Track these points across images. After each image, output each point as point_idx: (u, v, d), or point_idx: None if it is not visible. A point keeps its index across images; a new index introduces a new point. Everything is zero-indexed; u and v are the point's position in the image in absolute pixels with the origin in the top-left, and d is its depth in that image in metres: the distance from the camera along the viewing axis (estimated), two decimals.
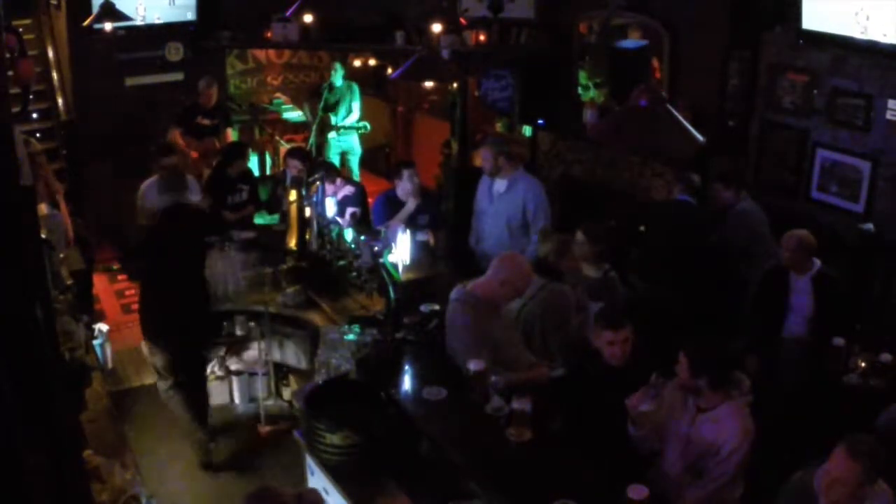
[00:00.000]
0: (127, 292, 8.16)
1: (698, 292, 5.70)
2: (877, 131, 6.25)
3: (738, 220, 6.06)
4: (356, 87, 9.53)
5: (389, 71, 10.00)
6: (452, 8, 8.44)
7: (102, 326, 6.53)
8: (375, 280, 5.54)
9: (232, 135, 9.09)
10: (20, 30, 9.16)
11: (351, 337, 4.88)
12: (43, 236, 4.75)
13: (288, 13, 8.47)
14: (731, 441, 3.69)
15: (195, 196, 7.07)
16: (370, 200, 6.99)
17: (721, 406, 3.78)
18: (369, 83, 10.79)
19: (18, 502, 2.05)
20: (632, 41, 8.10)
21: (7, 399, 1.97)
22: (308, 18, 8.68)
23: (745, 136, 7.20)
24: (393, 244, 5.46)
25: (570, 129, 8.28)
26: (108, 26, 7.85)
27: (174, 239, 5.66)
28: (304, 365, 6.01)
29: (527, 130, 8.76)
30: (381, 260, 5.25)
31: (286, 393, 6.36)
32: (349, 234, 6.06)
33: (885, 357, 5.05)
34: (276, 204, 7.34)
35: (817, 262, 5.31)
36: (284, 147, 9.35)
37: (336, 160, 9.12)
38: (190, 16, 8.89)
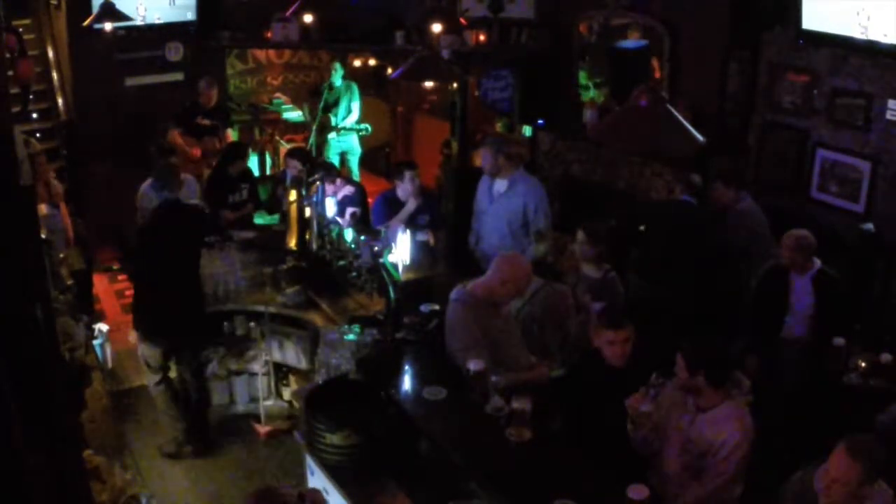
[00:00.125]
0: (127, 292, 8.14)
1: (698, 292, 5.70)
2: (877, 131, 6.25)
3: (738, 220, 6.06)
4: (355, 87, 9.53)
5: (389, 71, 10.00)
6: (452, 8, 8.44)
7: (102, 326, 6.54)
8: (375, 280, 5.54)
9: (232, 135, 9.10)
10: (20, 30, 9.17)
11: (351, 337, 4.88)
12: (43, 236, 4.76)
13: (288, 13, 8.47)
14: (731, 440, 3.69)
15: (193, 196, 7.09)
16: (370, 200, 6.99)
17: (721, 406, 3.78)
18: (369, 83, 10.79)
19: (18, 502, 2.05)
20: (632, 41, 8.10)
21: (7, 399, 1.97)
22: (308, 18, 8.68)
23: (745, 136, 7.20)
24: (393, 244, 5.46)
25: (570, 129, 8.28)
26: (108, 26, 7.85)
27: (167, 236, 5.68)
28: (304, 365, 6.02)
29: (527, 130, 8.75)
30: (381, 260, 5.24)
31: (286, 393, 6.36)
32: (349, 234, 6.06)
33: (885, 357, 5.05)
34: (275, 204, 7.35)
35: (817, 262, 5.31)
36: (284, 147, 9.35)
37: (336, 160, 9.12)
38: (190, 16, 8.89)
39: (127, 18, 7.81)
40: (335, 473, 3.99)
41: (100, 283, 8.24)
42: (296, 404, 6.01)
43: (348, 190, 6.81)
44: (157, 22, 8.65)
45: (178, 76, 9.11)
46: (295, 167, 6.75)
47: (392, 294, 5.00)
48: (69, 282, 5.67)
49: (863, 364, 5.04)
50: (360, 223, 6.48)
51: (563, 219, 7.22)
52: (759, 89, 7.05)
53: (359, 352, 4.76)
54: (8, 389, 1.97)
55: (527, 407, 3.89)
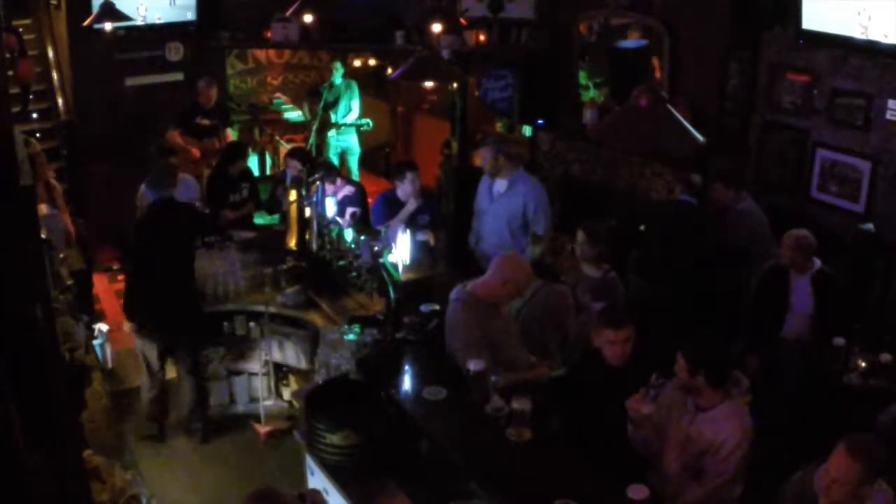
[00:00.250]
0: None
1: (698, 292, 5.70)
2: (877, 131, 6.25)
3: (738, 220, 6.06)
4: (355, 86, 9.53)
5: (389, 71, 10.00)
6: (452, 8, 8.44)
7: (102, 326, 6.54)
8: (375, 280, 5.54)
9: (232, 135, 9.10)
10: (20, 30, 9.17)
11: (351, 337, 4.88)
12: (43, 236, 4.75)
13: (288, 13, 8.47)
14: (731, 440, 3.69)
15: (194, 196, 7.09)
16: (370, 200, 6.99)
17: (720, 405, 3.78)
18: (369, 83, 10.79)
19: (18, 502, 2.05)
20: (632, 41, 8.10)
21: (7, 399, 1.97)
22: (308, 18, 8.68)
23: (745, 136, 7.20)
24: (393, 244, 5.46)
25: (570, 129, 8.28)
26: (108, 26, 7.85)
27: (160, 234, 5.70)
28: (304, 365, 6.02)
29: (527, 130, 8.75)
30: (381, 260, 5.25)
31: (286, 393, 6.36)
32: (349, 234, 6.06)
33: (885, 357, 5.05)
34: (275, 204, 7.35)
35: (817, 262, 5.31)
36: (284, 147, 9.36)
37: (335, 160, 9.13)
38: (190, 16, 8.89)
39: (127, 18, 7.81)
40: (335, 473, 3.99)
41: (100, 283, 8.24)
42: (296, 404, 6.01)
43: (348, 190, 6.81)
44: (157, 22, 8.65)
45: (178, 76, 9.11)
46: (295, 167, 6.75)
47: (392, 294, 5.00)
48: (69, 282, 5.67)
49: (863, 364, 5.04)
50: (360, 223, 6.48)
51: (563, 219, 7.22)
52: (759, 89, 7.05)
53: (359, 352, 4.76)
54: (8, 389, 1.97)
55: (527, 407, 3.89)
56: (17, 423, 1.99)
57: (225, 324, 6.20)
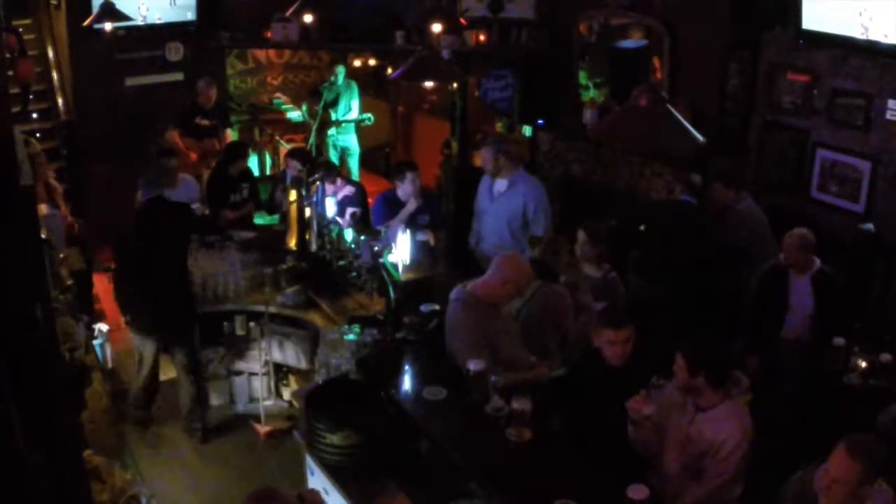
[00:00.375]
0: None
1: (698, 292, 5.70)
2: (877, 131, 6.25)
3: (738, 220, 6.06)
4: (354, 85, 9.54)
5: (389, 71, 10.00)
6: (452, 8, 8.44)
7: (102, 326, 6.54)
8: (375, 280, 5.54)
9: (231, 135, 9.10)
10: (20, 30, 9.17)
11: (351, 337, 4.88)
12: (43, 236, 4.75)
13: (288, 13, 8.47)
14: (731, 440, 3.69)
15: (194, 195, 7.09)
16: (370, 200, 6.99)
17: (720, 405, 3.78)
18: (369, 83, 10.79)
19: (18, 502, 2.05)
20: (632, 41, 8.10)
21: (7, 399, 1.97)
22: (308, 18, 8.68)
23: (745, 136, 7.20)
24: (393, 244, 5.46)
25: (570, 129, 8.28)
26: (108, 26, 7.85)
27: (149, 232, 5.71)
28: (304, 365, 6.02)
29: (527, 130, 8.76)
30: (381, 260, 5.25)
31: (286, 393, 6.36)
32: (349, 234, 6.06)
33: (885, 357, 5.05)
34: (274, 206, 7.35)
35: (817, 262, 5.32)
36: (284, 147, 9.35)
37: (335, 160, 9.13)
38: (190, 16, 8.89)
39: (127, 18, 7.81)
40: (335, 473, 3.99)
41: (100, 283, 8.22)
42: (296, 404, 6.01)
43: (348, 190, 6.81)
44: (157, 22, 8.65)
45: (178, 76, 9.11)
46: (295, 167, 6.75)
47: (392, 294, 5.00)
48: (69, 282, 5.67)
49: (863, 364, 5.04)
50: (360, 223, 6.48)
51: (563, 219, 7.22)
52: (759, 89, 7.05)
53: (359, 352, 4.76)
54: (8, 389, 1.97)
55: (527, 407, 3.89)
56: (17, 423, 1.99)
57: (225, 324, 6.20)
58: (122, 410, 5.92)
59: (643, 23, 7.81)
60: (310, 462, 4.20)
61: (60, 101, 9.32)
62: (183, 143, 8.34)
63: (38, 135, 8.60)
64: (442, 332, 4.64)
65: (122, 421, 5.63)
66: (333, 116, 9.32)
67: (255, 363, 6.25)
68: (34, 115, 9.36)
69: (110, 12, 7.56)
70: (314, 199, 6.13)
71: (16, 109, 8.76)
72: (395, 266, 5.29)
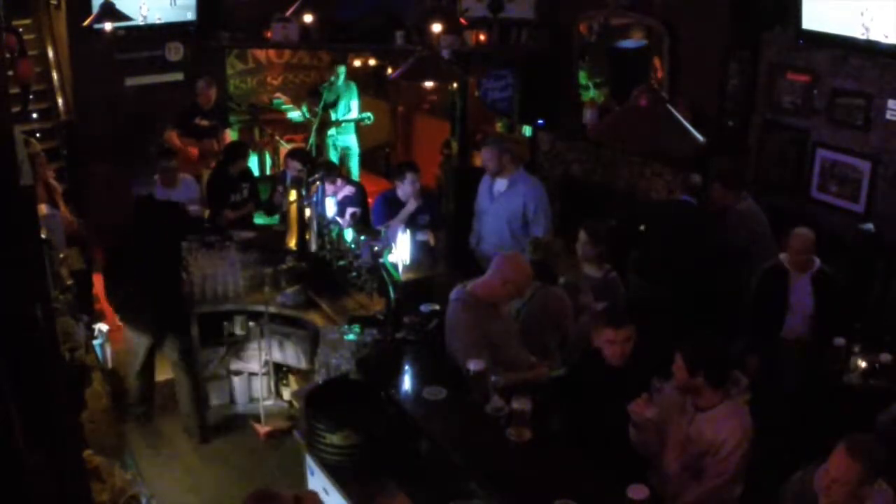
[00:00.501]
0: None
1: (698, 292, 5.70)
2: (877, 131, 6.25)
3: (738, 220, 6.06)
4: (354, 86, 9.54)
5: (389, 71, 10.00)
6: (452, 8, 8.44)
7: (102, 326, 6.54)
8: (375, 280, 5.54)
9: (231, 135, 9.09)
10: (20, 30, 9.17)
11: (351, 337, 4.88)
12: (43, 236, 4.75)
13: (288, 13, 8.47)
14: (731, 440, 3.69)
15: (194, 195, 7.09)
16: (370, 200, 6.99)
17: (720, 405, 3.78)
18: (369, 83, 10.79)
19: (18, 502, 2.05)
20: (632, 41, 8.10)
21: (7, 399, 1.97)
22: (308, 18, 8.68)
23: (745, 136, 7.20)
24: (393, 244, 5.46)
25: (570, 129, 8.28)
26: (108, 26, 7.85)
27: (141, 232, 5.71)
28: (304, 365, 6.02)
29: (527, 130, 8.76)
30: (381, 260, 5.24)
31: (286, 393, 6.36)
32: (349, 234, 6.06)
33: (885, 357, 5.05)
34: (273, 207, 7.35)
35: (817, 261, 5.32)
36: (284, 147, 9.35)
37: (335, 160, 9.13)
38: (190, 16, 8.89)
39: (127, 18, 7.81)
40: (335, 473, 3.99)
41: (100, 283, 8.21)
42: (296, 404, 6.00)
43: (348, 190, 6.81)
44: (157, 22, 8.66)
45: (178, 76, 9.11)
46: (295, 167, 6.75)
47: (392, 294, 5.00)
48: (69, 282, 5.67)
49: (863, 364, 5.04)
50: (360, 223, 6.48)
51: (563, 219, 7.23)
52: (759, 89, 7.05)
53: (359, 352, 4.76)
54: (8, 389, 1.97)
55: (527, 407, 3.89)
56: (17, 423, 1.99)
57: (225, 324, 6.19)
58: (122, 410, 5.93)
59: (643, 23, 7.81)
60: (310, 462, 4.20)
61: (60, 101, 9.32)
62: (182, 144, 8.33)
63: (38, 135, 8.60)
64: (442, 332, 4.64)
65: (122, 421, 5.64)
66: (333, 116, 9.32)
67: (255, 363, 6.25)
68: (34, 115, 9.36)
69: (110, 12, 7.56)
70: (314, 199, 6.13)
71: (16, 109, 8.76)
72: (395, 266, 5.28)
